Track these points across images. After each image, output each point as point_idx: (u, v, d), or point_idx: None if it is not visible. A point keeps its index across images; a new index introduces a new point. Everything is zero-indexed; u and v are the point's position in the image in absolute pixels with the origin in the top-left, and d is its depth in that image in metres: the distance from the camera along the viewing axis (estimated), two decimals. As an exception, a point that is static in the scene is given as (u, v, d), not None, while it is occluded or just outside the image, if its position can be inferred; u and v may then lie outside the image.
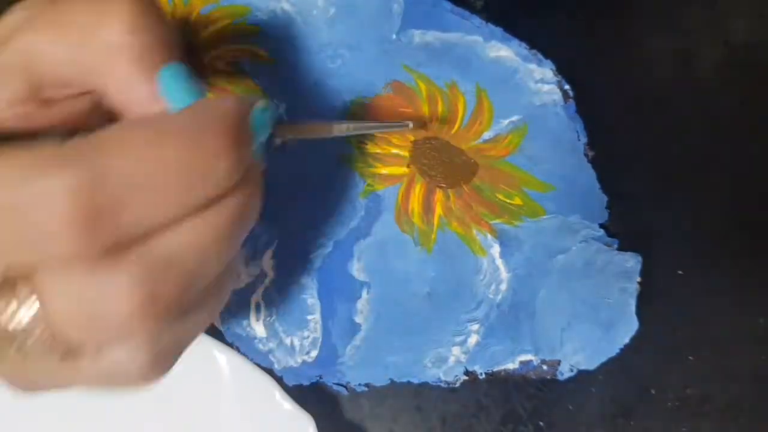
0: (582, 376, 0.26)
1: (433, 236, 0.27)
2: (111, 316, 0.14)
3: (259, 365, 0.26)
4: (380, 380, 0.26)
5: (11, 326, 0.15)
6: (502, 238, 0.27)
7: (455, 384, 0.26)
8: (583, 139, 0.28)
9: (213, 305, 0.18)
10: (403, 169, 0.28)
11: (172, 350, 0.17)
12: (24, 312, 0.15)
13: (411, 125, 0.25)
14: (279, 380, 0.26)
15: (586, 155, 0.28)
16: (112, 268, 0.14)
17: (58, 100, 0.18)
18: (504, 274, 0.27)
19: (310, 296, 0.27)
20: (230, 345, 0.27)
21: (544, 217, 0.27)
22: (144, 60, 0.16)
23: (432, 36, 0.30)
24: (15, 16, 0.17)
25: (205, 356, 0.26)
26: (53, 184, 0.13)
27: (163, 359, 0.17)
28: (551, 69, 0.29)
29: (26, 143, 0.14)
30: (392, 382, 0.26)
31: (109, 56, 0.16)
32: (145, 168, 0.14)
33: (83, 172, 0.13)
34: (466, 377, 0.26)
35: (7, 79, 0.17)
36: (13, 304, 0.15)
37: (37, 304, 0.15)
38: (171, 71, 0.17)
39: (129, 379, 0.16)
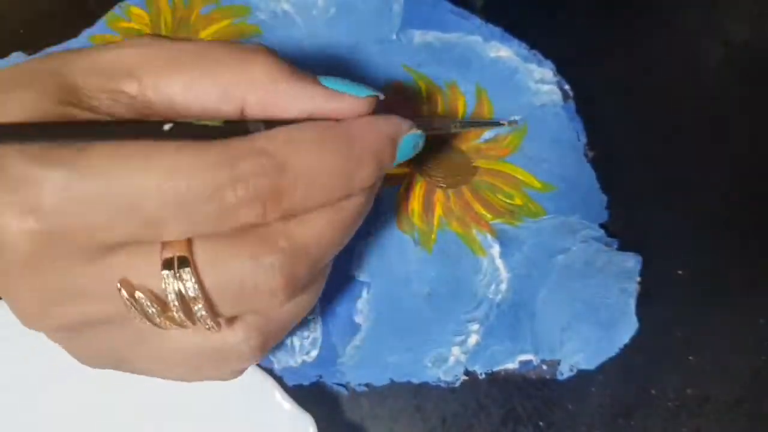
0: (582, 376, 0.26)
1: (433, 236, 0.27)
2: (260, 291, 0.17)
3: (259, 365, 0.26)
4: (380, 380, 0.26)
5: (171, 301, 0.17)
6: (502, 238, 0.27)
7: (455, 384, 0.26)
8: (583, 139, 0.28)
9: (317, 290, 0.21)
10: (403, 169, 0.28)
11: (282, 330, 0.20)
12: (184, 287, 0.17)
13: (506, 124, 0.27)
14: (279, 380, 0.26)
15: (585, 155, 0.28)
16: (268, 257, 0.17)
17: None
18: (504, 274, 0.27)
19: (310, 296, 0.27)
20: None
21: (544, 217, 0.27)
22: (299, 75, 0.19)
23: (432, 36, 0.30)
24: (140, 50, 0.18)
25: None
26: (250, 169, 0.16)
27: (266, 344, 0.20)
28: (551, 69, 0.29)
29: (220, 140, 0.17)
30: (392, 382, 0.26)
31: (267, 87, 0.18)
32: (313, 166, 0.17)
33: (269, 163, 0.16)
34: (466, 377, 0.26)
35: (129, 107, 0.18)
36: (171, 279, 0.17)
37: (192, 281, 0.17)
38: (326, 78, 0.19)
39: (240, 360, 0.19)
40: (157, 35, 0.20)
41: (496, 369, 0.26)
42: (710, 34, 0.31)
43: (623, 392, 0.26)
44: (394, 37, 0.30)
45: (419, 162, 0.28)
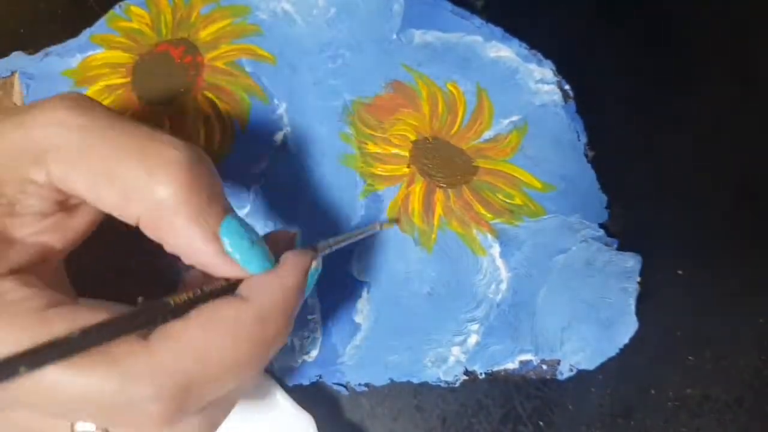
0: (582, 375, 0.26)
1: (433, 236, 0.27)
2: None
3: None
4: (380, 380, 0.26)
5: None
6: (502, 237, 0.27)
7: (455, 384, 0.26)
8: (583, 139, 0.28)
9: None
10: (403, 169, 0.28)
11: None
12: None
13: (380, 227, 0.27)
14: (279, 380, 0.26)
15: (586, 155, 0.28)
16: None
17: (81, 205, 0.20)
18: (504, 273, 0.27)
19: (310, 296, 0.27)
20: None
21: (544, 217, 0.27)
22: (202, 217, 0.18)
23: (432, 36, 0.30)
24: (48, 133, 0.17)
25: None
26: (148, 398, 0.16)
27: None
28: (551, 69, 0.29)
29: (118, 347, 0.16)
30: (392, 381, 0.26)
31: (163, 212, 0.17)
32: (223, 372, 0.17)
33: (172, 388, 0.16)
34: (466, 377, 0.26)
35: (41, 197, 0.18)
36: None
37: None
38: (229, 227, 0.18)
39: None
40: (75, 102, 0.18)
41: (496, 369, 0.26)
42: (711, 32, 0.31)
43: (623, 392, 0.26)
44: (395, 36, 0.30)
45: (419, 162, 0.28)
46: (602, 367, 0.26)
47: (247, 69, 0.29)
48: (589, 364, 0.26)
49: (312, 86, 0.29)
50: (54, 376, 0.15)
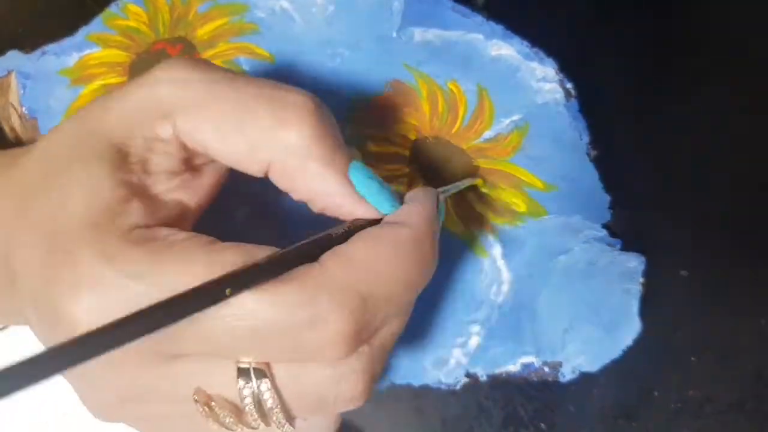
0: (584, 377, 0.26)
1: (433, 237, 0.27)
2: (340, 400, 0.17)
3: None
4: (380, 383, 0.26)
5: (248, 411, 0.17)
6: (503, 238, 0.27)
7: (456, 386, 0.26)
8: (586, 139, 0.28)
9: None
10: (403, 169, 0.28)
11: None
12: (261, 397, 0.16)
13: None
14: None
15: (588, 154, 0.28)
16: (349, 364, 0.17)
17: (205, 165, 0.20)
18: (505, 274, 0.27)
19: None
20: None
21: (546, 217, 0.27)
22: (334, 160, 0.18)
23: (432, 34, 0.29)
24: (173, 89, 0.18)
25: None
26: (332, 313, 0.16)
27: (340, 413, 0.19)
28: (553, 67, 0.29)
29: (299, 270, 0.16)
30: (392, 384, 0.26)
31: (295, 157, 0.18)
32: (393, 287, 0.17)
33: (352, 303, 0.16)
34: (467, 379, 0.26)
35: (168, 155, 0.19)
36: (248, 390, 0.16)
37: (270, 392, 0.17)
38: (357, 169, 0.19)
39: None
40: (192, 61, 0.19)
41: (497, 371, 0.26)
42: (711, 31, 0.30)
43: (625, 394, 0.26)
44: (394, 35, 0.29)
45: (420, 162, 0.28)
46: (605, 369, 0.26)
47: (245, 68, 0.29)
48: (592, 366, 0.26)
49: (311, 85, 0.29)
50: (249, 302, 0.15)
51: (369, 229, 0.18)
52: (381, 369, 0.18)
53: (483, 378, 0.26)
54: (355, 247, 0.17)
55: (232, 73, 0.19)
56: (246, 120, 0.18)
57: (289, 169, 0.18)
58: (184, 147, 0.19)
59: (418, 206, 0.19)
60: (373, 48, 0.29)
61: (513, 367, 0.26)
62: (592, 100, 0.29)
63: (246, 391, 0.16)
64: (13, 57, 0.30)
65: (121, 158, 0.18)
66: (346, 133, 0.28)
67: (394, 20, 0.30)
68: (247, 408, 0.16)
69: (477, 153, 0.28)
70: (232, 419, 0.17)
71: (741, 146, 0.29)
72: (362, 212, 0.19)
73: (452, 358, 0.26)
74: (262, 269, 0.15)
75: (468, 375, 0.26)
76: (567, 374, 0.26)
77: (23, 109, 0.29)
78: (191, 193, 0.19)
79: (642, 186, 0.28)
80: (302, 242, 0.17)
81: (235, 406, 0.17)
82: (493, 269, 0.27)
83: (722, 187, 0.28)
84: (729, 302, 0.27)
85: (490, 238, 0.27)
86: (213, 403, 0.16)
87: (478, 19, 0.29)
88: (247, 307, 0.15)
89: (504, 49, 0.29)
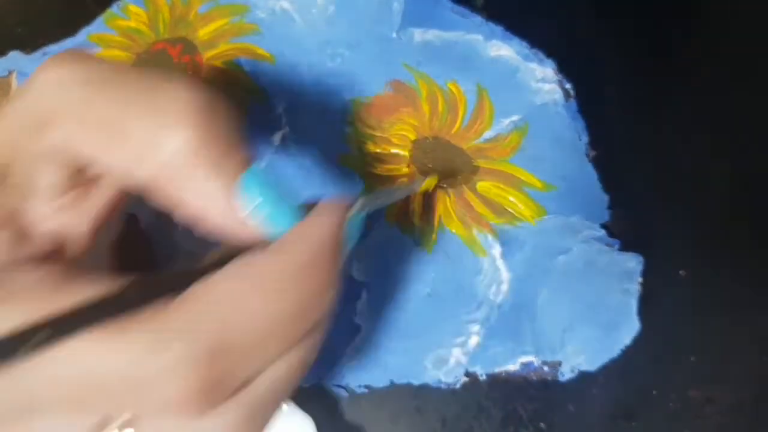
0: (583, 377, 0.26)
1: (433, 236, 0.27)
2: None
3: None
4: (380, 381, 0.26)
5: None
6: (502, 238, 0.27)
7: (456, 385, 0.26)
8: (585, 139, 0.28)
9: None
10: (403, 169, 0.28)
11: None
12: None
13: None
14: (278, 381, 0.26)
15: (587, 155, 0.28)
16: (219, 414, 0.15)
17: (98, 180, 0.18)
18: (505, 274, 0.27)
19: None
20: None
21: (545, 217, 0.27)
22: (220, 168, 0.16)
23: (432, 34, 0.29)
24: (49, 95, 0.16)
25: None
26: (177, 361, 0.13)
27: None
28: (552, 68, 0.29)
29: (142, 314, 0.14)
30: (392, 383, 0.26)
31: (177, 165, 0.15)
32: (261, 331, 0.15)
33: (203, 353, 0.14)
34: (466, 378, 0.26)
35: (53, 171, 0.16)
36: None
37: None
38: (252, 176, 0.16)
39: None
40: (71, 58, 0.16)
41: (496, 370, 0.26)
42: (712, 30, 0.31)
43: (624, 393, 0.26)
44: (394, 35, 0.30)
45: (419, 162, 0.28)
46: (604, 368, 0.26)
47: (246, 68, 0.29)
48: (591, 365, 0.26)
49: (311, 85, 0.29)
50: (88, 351, 0.13)
51: (237, 260, 0.15)
52: (266, 416, 0.16)
53: (482, 377, 0.26)
54: (215, 284, 0.15)
55: (115, 68, 0.16)
56: (125, 126, 0.15)
57: (171, 181, 0.16)
58: (69, 159, 0.16)
59: (309, 226, 0.16)
60: (373, 48, 0.29)
61: (512, 367, 0.26)
62: (591, 100, 0.29)
63: None
64: (15, 57, 0.30)
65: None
66: (346, 132, 0.28)
67: (394, 21, 0.30)
68: None
69: (477, 153, 0.28)
70: None
71: (740, 146, 0.29)
72: (249, 233, 0.16)
73: (452, 358, 0.26)
74: (100, 309, 0.13)
75: (467, 374, 0.26)
76: (566, 373, 0.26)
77: (24, 109, 0.29)
78: (79, 212, 0.17)
79: (641, 186, 0.28)
80: (168, 272, 0.15)
81: None
82: (492, 269, 0.27)
83: (721, 187, 0.28)
84: (727, 302, 0.27)
85: (490, 237, 0.27)
86: None
87: (478, 19, 0.30)
88: (87, 358, 0.13)
89: (503, 49, 0.29)
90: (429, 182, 0.26)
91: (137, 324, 0.14)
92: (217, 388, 0.14)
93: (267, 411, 0.16)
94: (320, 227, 0.16)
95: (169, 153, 0.15)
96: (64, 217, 0.17)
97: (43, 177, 0.16)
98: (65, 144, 0.16)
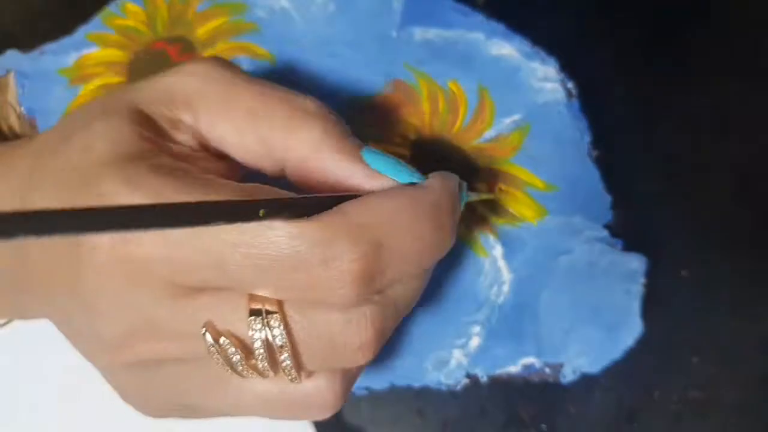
0: (585, 378, 0.26)
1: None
2: (349, 347, 0.17)
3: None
4: (380, 384, 0.26)
5: (256, 349, 0.17)
6: (504, 238, 0.27)
7: (456, 387, 0.26)
8: (587, 138, 0.28)
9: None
10: (404, 169, 0.28)
11: (358, 375, 0.20)
12: (271, 335, 0.16)
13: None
14: (278, 383, 0.26)
15: (589, 154, 0.28)
16: (359, 309, 0.17)
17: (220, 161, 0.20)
18: (506, 275, 0.27)
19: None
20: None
21: (547, 217, 0.27)
22: (347, 149, 0.19)
23: (433, 33, 0.29)
24: (199, 83, 0.19)
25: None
26: (346, 251, 0.16)
27: (348, 391, 0.20)
28: (554, 67, 0.29)
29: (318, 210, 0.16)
30: (392, 385, 0.26)
31: (311, 152, 0.19)
32: (408, 244, 0.17)
33: (367, 245, 0.16)
34: (467, 380, 0.26)
35: (190, 137, 0.19)
36: (258, 327, 0.16)
37: (280, 330, 0.16)
38: (370, 151, 0.19)
39: (322, 408, 0.19)
40: (220, 61, 0.20)
41: (498, 372, 0.26)
42: (711, 30, 0.30)
43: (627, 395, 0.26)
44: (395, 34, 0.29)
45: (420, 162, 0.28)
46: (606, 369, 0.26)
47: (246, 67, 0.29)
48: (593, 366, 0.26)
49: (311, 85, 0.29)
50: (269, 232, 0.15)
51: (390, 189, 0.18)
52: (391, 326, 0.19)
53: (484, 379, 0.26)
54: (376, 197, 0.17)
55: (250, 76, 0.20)
56: (262, 121, 0.19)
57: (305, 164, 0.19)
58: (202, 137, 0.19)
59: (440, 179, 0.19)
60: (374, 47, 0.29)
61: (514, 368, 0.26)
62: (594, 99, 0.28)
63: (256, 326, 0.16)
64: (12, 56, 0.30)
65: (145, 120, 0.18)
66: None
67: (394, 19, 0.29)
68: (256, 348, 0.16)
69: (477, 153, 0.28)
70: (240, 358, 0.16)
71: (743, 146, 0.29)
72: (382, 184, 0.19)
73: (453, 359, 0.26)
74: (291, 204, 0.16)
75: (468, 376, 0.26)
76: (568, 375, 0.26)
77: (22, 108, 0.29)
78: (214, 163, 0.20)
79: (643, 186, 0.28)
80: (323, 194, 0.17)
81: (245, 345, 0.17)
82: (493, 269, 0.27)
83: (724, 187, 0.28)
84: (730, 303, 0.27)
85: (491, 238, 0.27)
86: (222, 339, 0.16)
87: (479, 18, 0.29)
88: (265, 237, 0.15)
89: (505, 48, 0.29)
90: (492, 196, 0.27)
91: (309, 219, 0.16)
92: (372, 279, 0.16)
93: (395, 319, 0.19)
94: (446, 181, 0.19)
95: (303, 143, 0.18)
96: (200, 166, 0.19)
97: (182, 138, 0.19)
98: (207, 126, 0.19)
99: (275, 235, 0.15)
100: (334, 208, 0.17)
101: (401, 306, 0.19)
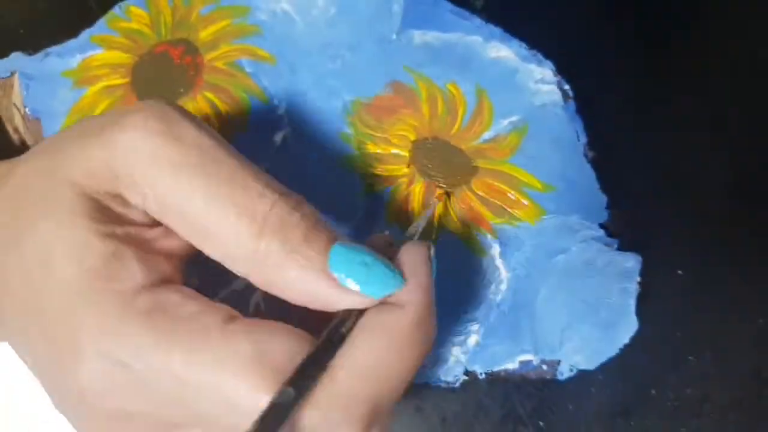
0: (582, 376, 0.26)
1: (433, 236, 0.27)
2: None
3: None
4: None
5: None
6: (502, 238, 0.27)
7: (455, 384, 0.26)
8: (583, 139, 0.28)
9: None
10: (403, 169, 0.28)
11: None
12: None
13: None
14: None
15: (585, 155, 0.28)
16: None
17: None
18: (504, 274, 0.27)
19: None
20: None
21: (544, 217, 0.27)
22: (303, 258, 0.17)
23: (432, 36, 0.30)
24: (137, 158, 0.17)
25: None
26: (344, 428, 0.16)
27: None
28: (551, 69, 0.29)
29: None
30: (392, 382, 0.26)
31: (266, 266, 0.17)
32: (400, 382, 0.17)
33: (362, 412, 0.16)
34: (466, 377, 0.26)
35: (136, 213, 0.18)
36: None
37: None
38: (338, 256, 0.17)
39: None
40: (161, 124, 0.17)
41: (496, 369, 0.26)
42: (711, 28, 0.31)
43: (623, 392, 0.26)
44: (394, 37, 0.30)
45: (419, 162, 0.28)
46: (602, 367, 0.26)
47: (247, 69, 0.29)
48: (589, 364, 0.26)
49: (312, 87, 0.29)
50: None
51: (371, 321, 0.17)
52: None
53: (482, 376, 0.26)
54: (361, 352, 0.17)
55: (205, 150, 0.17)
56: (211, 228, 0.17)
57: (265, 278, 0.17)
58: (157, 215, 0.18)
59: (419, 279, 0.18)
60: (374, 50, 0.29)
61: (511, 366, 0.26)
62: (590, 101, 0.29)
63: None
64: (17, 58, 0.30)
65: (97, 209, 0.17)
66: (346, 132, 0.28)
67: (393, 22, 0.30)
68: None
69: (476, 154, 0.28)
70: None
71: (738, 146, 0.29)
72: (351, 303, 0.17)
73: (451, 357, 0.26)
74: (303, 375, 0.15)
75: (467, 373, 0.26)
76: (565, 372, 0.26)
77: (26, 110, 0.29)
78: (177, 238, 0.18)
79: (639, 186, 0.28)
80: (316, 347, 0.17)
81: None
82: (491, 268, 0.27)
83: (719, 186, 0.29)
84: (726, 301, 0.27)
85: (489, 237, 0.27)
86: None
87: (477, 21, 0.30)
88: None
89: (502, 51, 0.29)
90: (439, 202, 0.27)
91: (321, 393, 0.16)
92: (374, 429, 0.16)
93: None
94: (424, 278, 0.19)
95: (254, 256, 0.17)
96: (167, 242, 0.18)
97: (137, 212, 0.18)
98: (156, 215, 0.17)
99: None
100: (325, 378, 0.16)
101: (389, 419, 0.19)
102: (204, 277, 0.22)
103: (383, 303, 0.18)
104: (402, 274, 0.18)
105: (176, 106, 0.18)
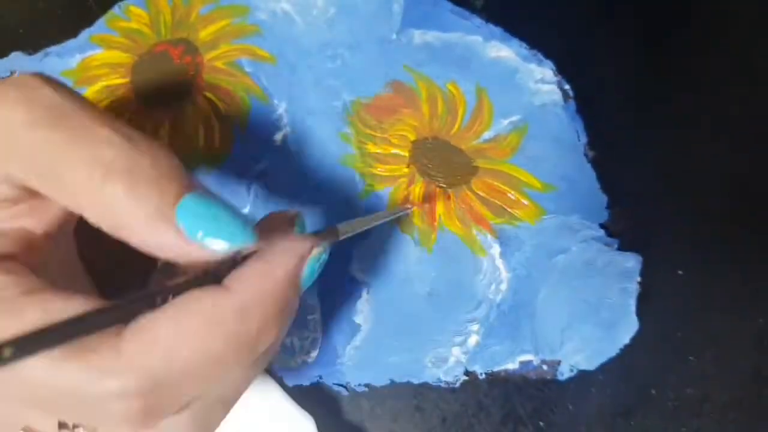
0: (582, 376, 0.26)
1: (433, 236, 0.27)
2: None
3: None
4: (380, 380, 0.26)
5: None
6: (502, 238, 0.27)
7: (455, 384, 0.26)
8: (583, 139, 0.28)
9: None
10: (403, 169, 0.28)
11: None
12: None
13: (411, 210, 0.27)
14: (279, 380, 0.26)
15: (586, 155, 0.28)
16: (166, 426, 0.16)
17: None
18: (504, 274, 0.27)
19: (310, 296, 0.27)
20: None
21: (545, 217, 0.27)
22: (151, 204, 0.16)
23: (432, 36, 0.30)
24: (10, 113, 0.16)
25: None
26: (123, 389, 0.15)
27: None
28: (551, 69, 0.29)
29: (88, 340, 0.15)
30: (392, 382, 0.26)
31: (114, 209, 0.16)
32: (198, 367, 0.16)
33: (141, 385, 0.15)
34: (466, 377, 0.26)
35: (6, 187, 0.17)
36: None
37: None
38: (186, 205, 0.16)
39: None
40: (20, 85, 0.17)
41: (496, 369, 0.26)
42: (710, 29, 0.31)
43: (623, 392, 0.26)
44: (394, 36, 0.30)
45: (419, 162, 0.28)
46: (602, 367, 0.26)
47: (247, 69, 0.29)
48: (590, 364, 0.26)
49: (312, 86, 0.29)
50: (31, 366, 0.15)
51: (186, 295, 0.16)
52: (214, 422, 0.18)
53: (482, 376, 0.26)
54: (159, 320, 0.16)
55: (58, 108, 0.17)
56: (63, 176, 0.16)
57: (113, 222, 0.16)
58: (21, 186, 0.17)
59: (264, 263, 0.17)
60: (374, 49, 0.29)
61: (512, 366, 0.26)
62: (590, 101, 0.29)
63: None
64: (16, 58, 0.30)
65: None
66: (346, 132, 0.28)
67: (394, 22, 0.30)
68: None
69: (476, 153, 0.28)
70: None
71: (738, 146, 0.29)
72: (195, 254, 0.16)
73: (452, 357, 0.26)
74: (57, 333, 0.14)
75: (467, 373, 0.26)
76: (565, 372, 0.26)
77: (26, 109, 0.29)
78: (38, 218, 0.18)
79: (639, 186, 0.28)
80: (113, 303, 0.16)
81: None
82: (492, 268, 0.27)
83: (719, 186, 0.28)
84: (726, 301, 0.27)
85: (489, 237, 0.27)
86: None
87: (477, 21, 0.30)
88: (38, 374, 0.15)
89: (503, 50, 0.29)
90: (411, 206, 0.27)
91: (91, 352, 0.15)
92: (158, 410, 0.16)
93: (213, 419, 0.18)
94: (274, 267, 0.17)
95: (104, 201, 0.16)
96: (22, 221, 0.18)
97: None
98: (12, 177, 0.17)
99: (46, 374, 0.15)
100: (113, 339, 0.15)
101: (208, 415, 0.18)
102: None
103: (216, 284, 0.17)
104: (254, 234, 0.17)
105: (44, 76, 0.18)
